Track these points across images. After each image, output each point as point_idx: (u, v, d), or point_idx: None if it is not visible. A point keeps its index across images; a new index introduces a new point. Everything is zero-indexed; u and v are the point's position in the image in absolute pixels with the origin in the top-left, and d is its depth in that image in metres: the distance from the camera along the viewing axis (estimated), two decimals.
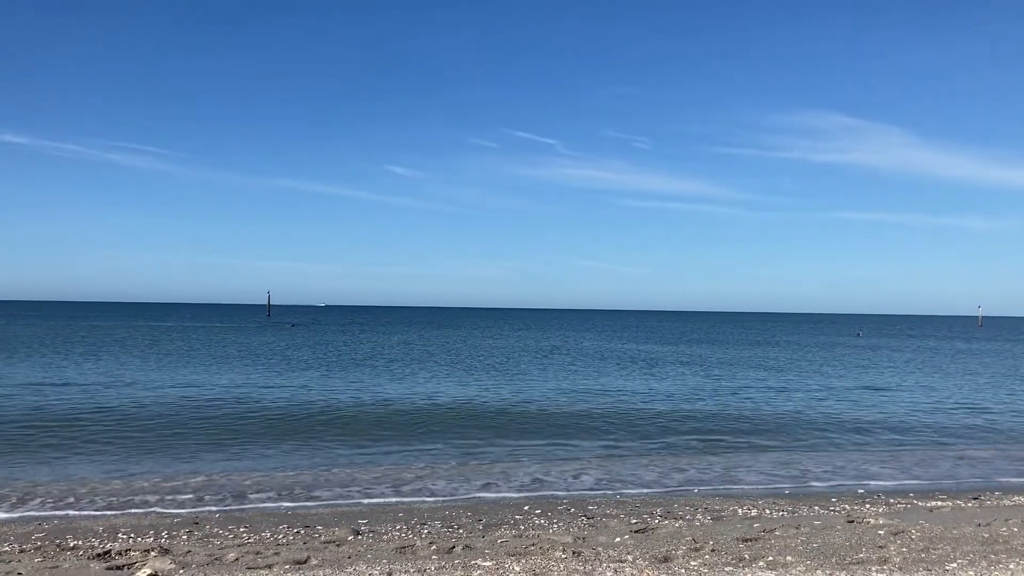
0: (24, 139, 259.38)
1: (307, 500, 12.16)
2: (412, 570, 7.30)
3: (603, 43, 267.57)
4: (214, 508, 11.57)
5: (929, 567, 7.31)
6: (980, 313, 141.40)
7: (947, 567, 7.30)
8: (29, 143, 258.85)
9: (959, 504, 11.68)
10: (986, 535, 8.71)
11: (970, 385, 33.08)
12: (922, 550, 8.03)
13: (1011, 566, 7.26)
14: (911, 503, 11.89)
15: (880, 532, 9.05)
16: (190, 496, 12.26)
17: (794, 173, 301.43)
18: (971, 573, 7.08)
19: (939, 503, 11.81)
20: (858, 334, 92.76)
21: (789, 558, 7.76)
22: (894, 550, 8.03)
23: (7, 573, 7.71)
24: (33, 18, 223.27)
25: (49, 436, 17.08)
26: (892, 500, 12.18)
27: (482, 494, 12.79)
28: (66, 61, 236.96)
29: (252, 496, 12.31)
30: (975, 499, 12.18)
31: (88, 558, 8.47)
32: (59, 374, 30.49)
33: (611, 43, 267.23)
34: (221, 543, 9.18)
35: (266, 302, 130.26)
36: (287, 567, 7.71)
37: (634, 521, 10.44)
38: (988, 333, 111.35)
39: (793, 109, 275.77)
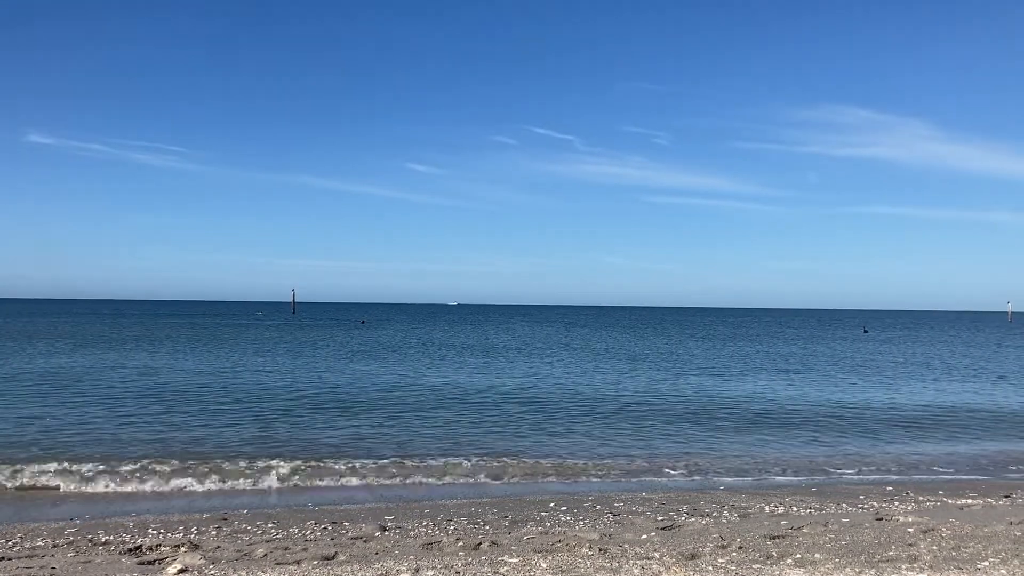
0: (50, 140, 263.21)
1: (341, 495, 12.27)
2: (439, 566, 7.33)
3: (620, 38, 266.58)
4: (242, 505, 11.71)
5: (960, 565, 7.23)
6: (1010, 309, 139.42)
7: (978, 565, 7.22)
8: (55, 143, 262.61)
9: (990, 502, 11.53)
10: (1018, 533, 8.60)
11: (993, 380, 32.66)
12: (952, 548, 7.94)
13: None
14: (941, 501, 11.75)
15: (910, 530, 8.96)
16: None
17: (817, 168, 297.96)
18: (1003, 571, 6.99)
19: (969, 501, 11.66)
20: (864, 330, 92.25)
21: (817, 555, 7.71)
22: (924, 548, 7.95)
23: (41, 568, 7.83)
24: (57, 21, 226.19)
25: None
26: (921, 498, 12.05)
27: (508, 490, 12.83)
28: (90, 62, 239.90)
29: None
30: (1007, 497, 12.02)
31: (120, 553, 8.59)
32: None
33: (628, 38, 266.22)
34: (250, 539, 9.27)
35: (291, 299, 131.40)
36: (315, 563, 7.76)
37: (660, 518, 10.41)
38: (1019, 328, 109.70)
39: (815, 103, 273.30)
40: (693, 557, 7.75)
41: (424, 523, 10.21)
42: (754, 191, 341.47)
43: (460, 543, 8.76)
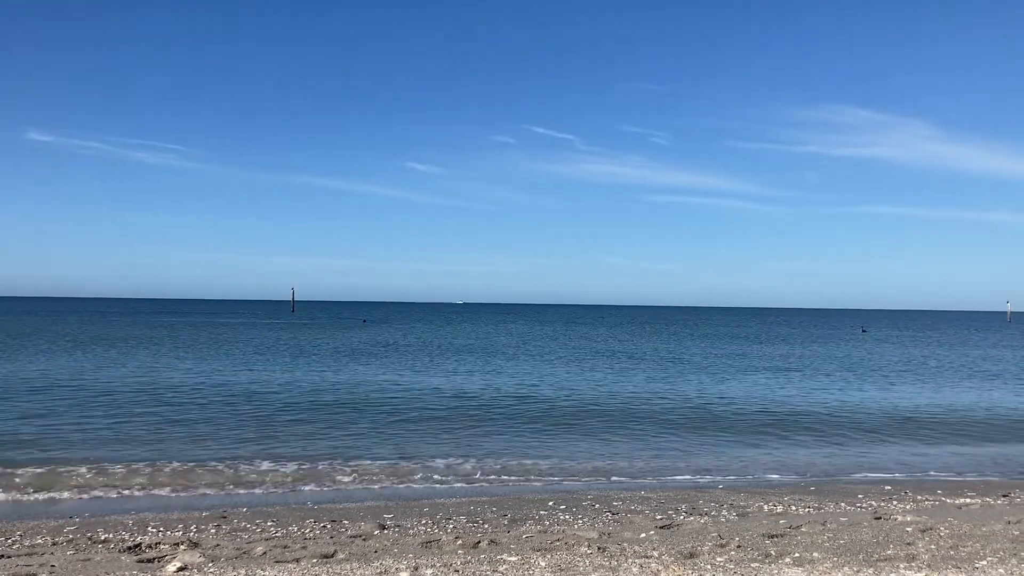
0: (50, 137, 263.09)
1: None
2: (438, 564, 7.34)
3: (620, 38, 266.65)
4: (241, 503, 11.72)
5: (958, 564, 7.24)
6: (1009, 308, 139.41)
7: (976, 564, 7.23)
8: (54, 141, 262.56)
9: (988, 501, 11.55)
10: (1016, 532, 8.62)
11: (991, 380, 32.69)
12: (951, 547, 7.95)
13: None
14: (939, 500, 11.77)
15: (908, 529, 8.97)
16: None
17: (817, 168, 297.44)
18: (1001, 571, 7.01)
19: (968, 500, 11.68)
20: (863, 330, 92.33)
21: (816, 555, 7.72)
22: (922, 547, 7.97)
23: (40, 565, 7.84)
24: (56, 20, 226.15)
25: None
26: (920, 497, 12.07)
27: (507, 488, 12.83)
28: (89, 61, 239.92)
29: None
30: (1005, 496, 12.04)
31: (119, 551, 8.59)
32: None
33: (628, 38, 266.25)
34: (249, 537, 9.28)
35: (290, 298, 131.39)
36: (314, 561, 7.77)
37: (659, 517, 10.42)
38: (1018, 328, 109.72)
39: (814, 103, 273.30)
40: (692, 556, 7.77)
41: (423, 521, 10.22)
42: (754, 191, 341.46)
43: (459, 541, 8.77)
